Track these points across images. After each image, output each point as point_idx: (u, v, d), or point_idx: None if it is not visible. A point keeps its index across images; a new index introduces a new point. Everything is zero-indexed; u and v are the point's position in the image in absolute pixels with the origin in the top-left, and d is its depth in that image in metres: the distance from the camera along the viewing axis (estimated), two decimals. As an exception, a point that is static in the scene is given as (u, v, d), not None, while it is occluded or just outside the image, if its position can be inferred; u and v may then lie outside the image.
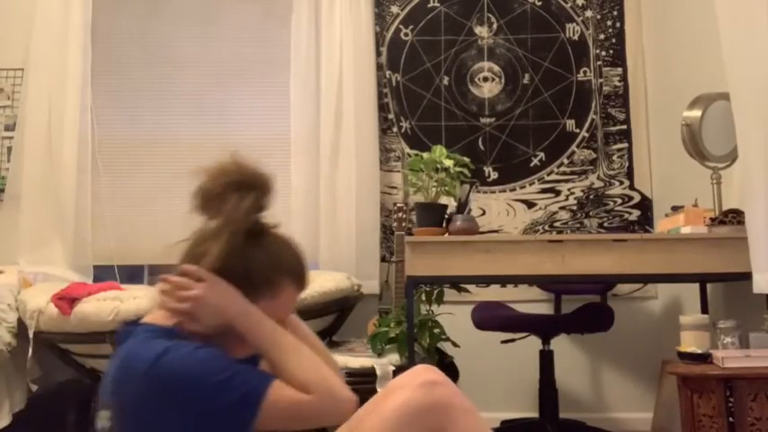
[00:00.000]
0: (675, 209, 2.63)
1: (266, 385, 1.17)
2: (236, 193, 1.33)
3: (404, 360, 2.65)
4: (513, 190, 3.67)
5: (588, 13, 3.76)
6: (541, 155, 3.69)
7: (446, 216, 2.62)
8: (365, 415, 1.39)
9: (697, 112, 2.63)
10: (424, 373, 1.41)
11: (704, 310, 2.85)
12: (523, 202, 3.67)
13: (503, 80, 3.74)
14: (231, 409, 1.15)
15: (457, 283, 2.90)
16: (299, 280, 1.36)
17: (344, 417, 1.22)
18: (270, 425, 1.18)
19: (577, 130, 3.69)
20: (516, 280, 3.12)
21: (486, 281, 3.22)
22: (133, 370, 1.18)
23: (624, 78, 3.71)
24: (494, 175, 3.68)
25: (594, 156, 3.68)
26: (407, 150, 3.67)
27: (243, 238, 1.29)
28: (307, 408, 1.18)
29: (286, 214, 3.61)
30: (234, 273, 1.27)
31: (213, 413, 1.15)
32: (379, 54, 3.74)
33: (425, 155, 2.69)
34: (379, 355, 2.70)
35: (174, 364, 1.16)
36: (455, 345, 2.93)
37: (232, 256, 1.28)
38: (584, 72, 3.73)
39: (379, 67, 3.73)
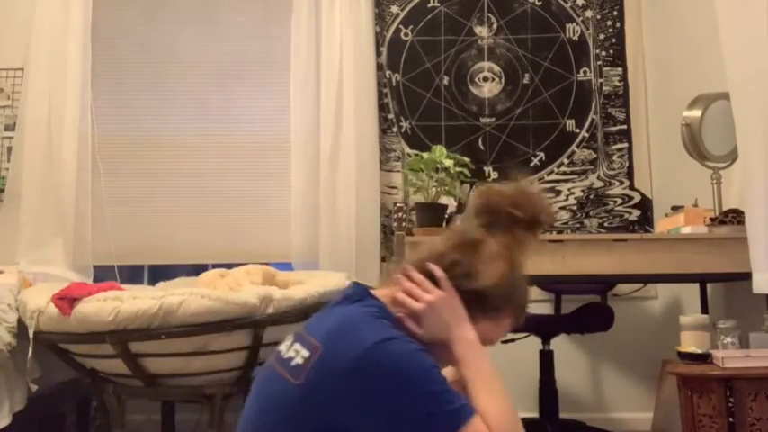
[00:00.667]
0: (675, 209, 2.63)
1: (470, 415, 1.16)
2: (526, 226, 1.35)
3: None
4: (513, 190, 3.67)
5: (588, 13, 3.76)
6: (541, 155, 3.69)
7: (446, 216, 2.62)
8: None
9: (697, 112, 2.63)
10: None
11: (704, 310, 2.85)
12: (523, 202, 3.66)
13: (503, 80, 3.74)
14: (429, 421, 1.13)
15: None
16: (520, 315, 1.37)
17: None
18: None
19: (577, 130, 3.69)
20: (516, 280, 3.12)
21: (486, 281, 3.22)
22: (352, 339, 1.16)
23: (624, 78, 3.71)
24: (494, 175, 3.68)
25: (594, 156, 3.68)
26: (407, 150, 3.67)
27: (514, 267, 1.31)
28: None
29: (286, 214, 3.62)
30: (471, 291, 1.28)
31: (411, 418, 1.13)
32: (379, 54, 3.74)
33: (425, 155, 2.70)
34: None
35: (396, 355, 1.15)
36: (455, 345, 2.93)
37: (474, 278, 1.29)
38: (584, 72, 3.73)
39: (379, 67, 3.73)
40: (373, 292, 1.31)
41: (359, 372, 1.13)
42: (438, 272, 1.28)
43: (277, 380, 1.22)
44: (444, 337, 1.26)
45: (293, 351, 1.23)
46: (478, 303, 1.28)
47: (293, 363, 1.21)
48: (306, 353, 1.20)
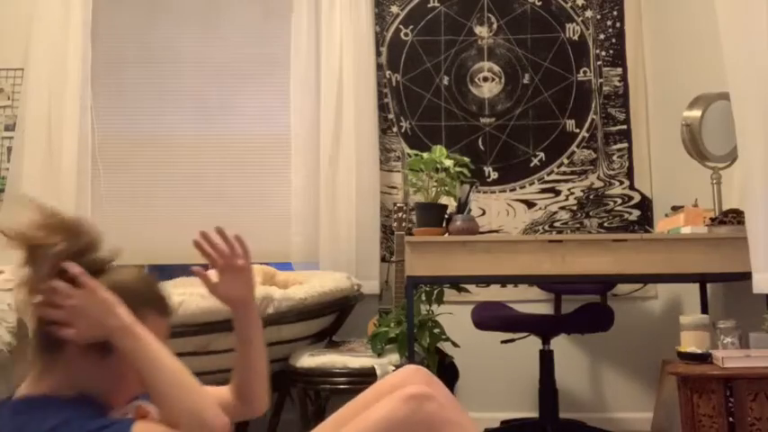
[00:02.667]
0: (675, 209, 2.63)
1: (126, 427, 1.13)
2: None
3: (404, 360, 2.65)
4: (513, 190, 3.68)
5: (588, 13, 3.76)
6: (541, 155, 3.69)
7: (446, 216, 2.62)
8: (348, 418, 1.37)
9: (697, 112, 2.63)
10: (413, 382, 1.38)
11: (704, 310, 2.85)
12: (523, 202, 3.67)
13: (503, 80, 3.74)
14: None
15: (457, 283, 2.90)
16: (159, 305, 1.31)
17: None
18: None
19: (577, 130, 3.69)
20: (516, 280, 3.12)
21: (486, 281, 3.22)
22: None
23: (624, 78, 3.71)
24: (494, 175, 3.68)
25: (594, 156, 3.68)
26: (407, 150, 3.67)
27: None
28: None
29: (286, 214, 3.62)
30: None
31: None
32: (379, 54, 3.74)
33: (425, 155, 2.69)
34: (379, 355, 2.70)
35: None
36: (455, 345, 2.93)
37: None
38: (584, 72, 3.73)
39: (379, 67, 3.73)
40: (18, 391, 1.24)
41: None
42: (73, 267, 1.20)
43: None
44: (102, 334, 1.19)
45: None
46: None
47: None
48: None
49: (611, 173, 3.66)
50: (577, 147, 3.68)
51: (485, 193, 3.67)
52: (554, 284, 3.44)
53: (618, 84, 3.72)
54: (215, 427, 1.16)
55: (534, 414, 3.26)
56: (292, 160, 3.62)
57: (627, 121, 3.69)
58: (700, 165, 2.67)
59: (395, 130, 3.72)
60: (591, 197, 3.65)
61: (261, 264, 3.21)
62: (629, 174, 3.65)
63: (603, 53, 3.74)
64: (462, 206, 2.65)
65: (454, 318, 3.19)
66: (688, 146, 2.66)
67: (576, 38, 3.75)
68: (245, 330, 1.43)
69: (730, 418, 1.98)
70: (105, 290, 1.21)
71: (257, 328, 1.42)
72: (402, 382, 1.39)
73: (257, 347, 1.43)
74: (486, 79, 3.75)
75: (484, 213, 3.64)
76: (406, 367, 1.48)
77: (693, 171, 2.89)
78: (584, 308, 3.17)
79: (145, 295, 1.29)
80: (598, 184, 3.65)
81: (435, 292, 2.99)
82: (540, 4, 3.77)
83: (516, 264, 2.42)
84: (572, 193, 3.66)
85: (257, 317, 1.44)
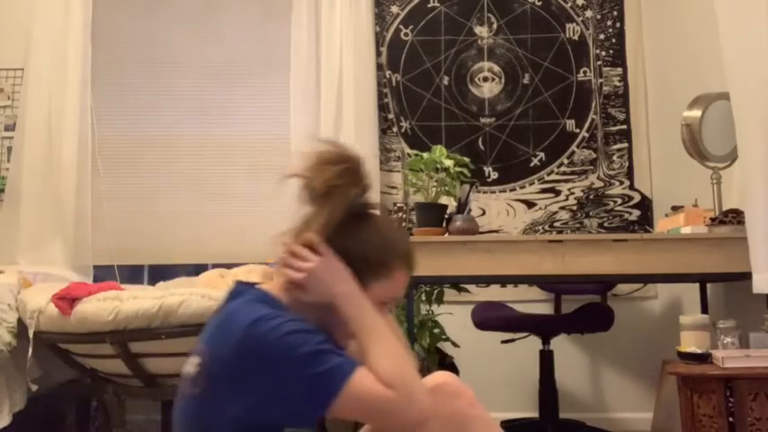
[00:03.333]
0: (675, 209, 2.63)
1: (352, 368, 1.16)
2: (329, 171, 1.32)
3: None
4: (513, 190, 3.67)
5: (588, 13, 3.76)
6: (541, 155, 3.69)
7: (446, 216, 2.62)
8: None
9: (697, 112, 2.63)
10: (444, 382, 1.40)
11: (704, 310, 2.85)
12: (523, 202, 3.67)
13: (503, 80, 3.74)
14: (313, 382, 1.14)
15: (457, 283, 2.90)
16: (410, 261, 1.36)
17: (415, 421, 1.18)
18: (346, 411, 1.18)
19: (577, 130, 3.69)
20: (516, 280, 3.13)
21: (486, 281, 3.22)
22: (231, 328, 1.19)
23: (624, 78, 3.71)
24: (494, 175, 3.68)
25: (594, 156, 3.68)
26: (407, 150, 3.67)
27: (352, 218, 1.30)
28: (385, 403, 1.16)
29: (286, 214, 3.61)
30: (351, 255, 1.28)
31: (295, 383, 1.14)
32: (379, 54, 3.74)
33: (425, 155, 2.69)
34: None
35: (268, 330, 1.16)
36: (455, 345, 2.93)
37: (349, 238, 1.29)
38: (584, 72, 3.73)
39: (379, 67, 3.73)
40: (261, 285, 1.34)
41: (238, 358, 1.16)
42: (312, 238, 1.29)
43: (186, 400, 1.25)
44: (329, 299, 1.26)
45: (190, 365, 1.27)
46: (360, 265, 1.28)
47: (191, 376, 1.25)
48: (197, 360, 1.24)
49: (611, 173, 3.66)
50: (577, 147, 3.68)
51: (485, 193, 3.67)
52: (554, 284, 3.44)
53: (618, 84, 3.72)
54: (422, 403, 1.18)
55: (534, 414, 3.26)
56: (292, 160, 3.61)
57: (627, 121, 3.69)
58: (700, 165, 2.67)
59: (395, 130, 3.72)
60: (591, 197, 3.65)
61: (261, 264, 3.20)
62: (629, 174, 3.65)
63: (603, 53, 3.74)
64: (462, 206, 2.64)
65: (454, 318, 3.19)
66: (688, 146, 2.66)
67: (576, 38, 3.75)
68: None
69: (730, 418, 1.98)
70: (336, 258, 1.27)
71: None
72: (433, 385, 1.41)
73: None
74: (486, 79, 3.75)
75: (484, 213, 3.64)
76: (437, 372, 1.50)
77: (693, 171, 2.89)
78: (584, 308, 3.17)
79: (399, 248, 1.33)
80: (598, 184, 3.65)
81: (435, 292, 2.99)
82: (540, 4, 3.77)
83: (516, 264, 2.42)
84: (572, 193, 3.66)
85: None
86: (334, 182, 1.29)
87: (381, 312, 1.30)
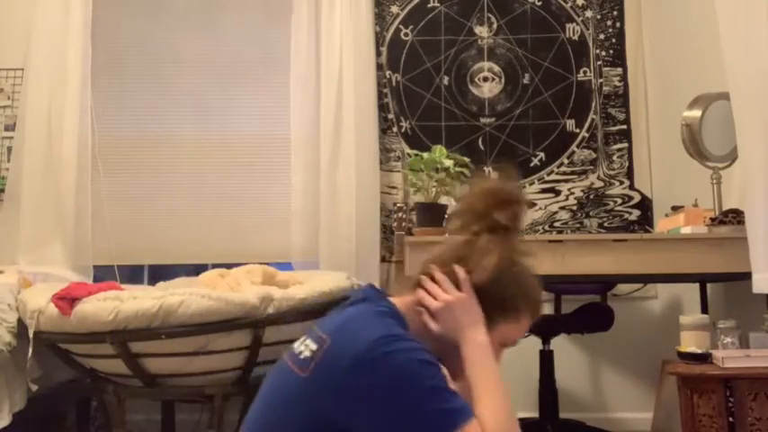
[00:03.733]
0: (675, 209, 2.63)
1: (470, 416, 1.15)
2: (504, 211, 1.31)
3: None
4: (513, 190, 3.67)
5: (588, 13, 3.76)
6: (541, 155, 3.69)
7: (446, 216, 2.62)
8: None
9: (697, 112, 2.63)
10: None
11: (704, 310, 2.85)
12: (523, 202, 3.66)
13: (503, 80, 3.74)
14: (432, 416, 1.12)
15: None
16: (537, 311, 1.35)
17: None
18: None
19: (577, 130, 3.69)
20: (516, 280, 3.11)
21: (486, 281, 3.21)
22: (357, 334, 1.17)
23: (624, 78, 3.71)
24: (493, 176, 3.68)
25: (594, 156, 3.68)
26: (407, 150, 3.67)
27: (511, 260, 1.30)
28: None
29: (286, 214, 3.62)
30: (490, 295, 1.28)
31: (408, 413, 1.12)
32: (379, 54, 3.74)
33: (425, 155, 2.69)
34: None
35: (396, 351, 1.14)
36: (455, 345, 2.93)
37: (497, 277, 1.28)
38: (585, 72, 3.73)
39: (379, 67, 3.73)
40: (389, 297, 1.33)
41: (359, 367, 1.14)
42: (461, 273, 1.29)
43: (285, 373, 1.23)
44: (456, 337, 1.26)
45: (303, 345, 1.24)
46: (494, 303, 1.28)
47: (302, 356, 1.22)
48: (314, 346, 1.21)
49: (611, 173, 3.66)
50: (577, 147, 3.68)
51: (485, 193, 3.66)
52: (554, 284, 3.44)
53: (618, 84, 3.72)
54: None
55: (534, 414, 3.26)
56: (292, 160, 3.62)
57: (627, 121, 3.69)
58: (700, 165, 2.67)
59: (395, 130, 3.72)
60: (591, 197, 3.65)
61: (261, 264, 3.20)
62: (629, 174, 3.65)
63: (603, 53, 3.74)
64: (462, 206, 2.64)
65: (454, 318, 3.19)
66: (688, 146, 2.66)
67: (575, 38, 3.75)
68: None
69: (730, 418, 1.98)
70: (475, 298, 1.27)
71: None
72: None
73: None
74: (486, 79, 3.75)
75: (484, 213, 3.63)
76: None
77: (693, 171, 2.89)
78: (584, 308, 3.17)
79: (532, 296, 1.33)
80: (598, 184, 3.65)
81: (435, 292, 2.98)
82: (540, 4, 3.77)
83: (516, 264, 2.42)
84: (572, 193, 3.66)
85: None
86: (506, 222, 1.30)
87: (498, 356, 1.30)
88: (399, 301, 1.32)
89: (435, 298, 1.28)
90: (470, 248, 1.32)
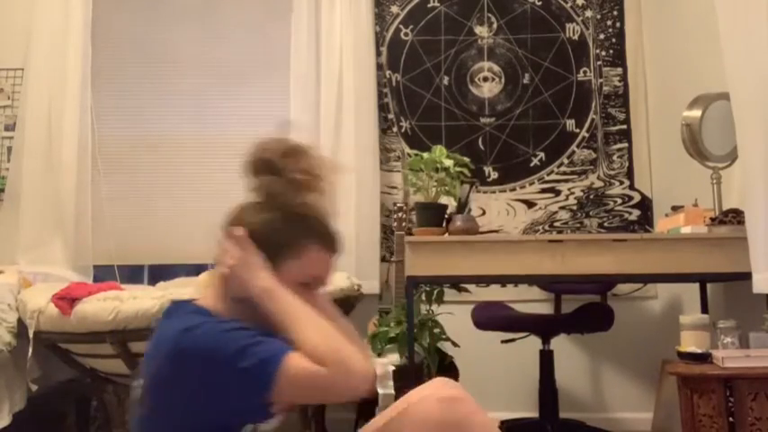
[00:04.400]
0: (675, 209, 2.63)
1: (283, 354, 1.19)
2: (267, 162, 1.46)
3: (404, 360, 2.65)
4: (513, 190, 3.67)
5: (588, 13, 3.76)
6: (541, 155, 3.69)
7: (446, 216, 2.62)
8: (381, 422, 1.39)
9: (697, 112, 2.63)
10: (444, 387, 1.41)
11: (704, 310, 2.85)
12: (523, 201, 3.67)
13: (503, 80, 3.74)
14: (248, 375, 1.17)
15: (457, 283, 2.90)
16: (324, 240, 1.38)
17: (361, 390, 1.22)
18: (288, 396, 1.21)
19: (577, 130, 3.69)
20: (516, 280, 3.12)
21: (486, 281, 3.22)
22: (163, 342, 1.23)
23: (624, 78, 3.71)
24: (494, 175, 3.68)
25: (594, 156, 3.67)
26: (407, 150, 3.67)
27: (282, 204, 1.36)
28: (321, 380, 1.18)
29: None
30: (259, 238, 1.33)
31: (231, 379, 1.18)
32: (379, 54, 3.74)
33: (425, 155, 2.69)
34: (379, 354, 2.70)
35: (197, 336, 1.21)
36: (455, 345, 2.93)
37: (256, 222, 1.35)
38: (584, 72, 3.73)
39: (379, 67, 3.73)
40: (194, 300, 1.38)
41: (173, 367, 1.20)
42: (237, 231, 1.34)
43: (135, 424, 1.30)
44: (249, 295, 1.29)
45: (137, 387, 1.30)
46: (267, 246, 1.32)
47: (138, 397, 1.29)
48: (140, 381, 1.28)
49: (611, 173, 3.66)
50: (577, 147, 3.68)
51: (485, 193, 3.67)
52: (554, 284, 3.44)
53: (618, 84, 3.72)
54: (360, 371, 1.21)
55: (534, 414, 3.26)
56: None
57: (627, 121, 3.69)
58: (700, 165, 2.67)
59: (395, 130, 3.72)
60: (591, 197, 3.65)
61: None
62: (629, 174, 3.65)
63: (603, 53, 3.74)
64: (462, 206, 2.65)
65: (454, 318, 3.19)
66: (688, 146, 2.66)
67: (575, 38, 3.75)
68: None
69: (730, 418, 1.98)
70: (254, 253, 1.31)
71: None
72: (434, 389, 1.41)
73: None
74: (486, 79, 3.75)
75: (484, 213, 3.64)
76: (436, 379, 1.50)
77: (693, 171, 2.89)
78: (584, 308, 3.17)
79: (314, 228, 1.36)
80: (598, 183, 3.65)
81: (435, 292, 2.99)
82: (540, 4, 3.77)
83: (516, 264, 2.42)
84: (572, 193, 3.66)
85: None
86: (271, 171, 1.43)
87: (306, 294, 1.32)
88: (211, 293, 1.36)
89: (225, 267, 1.33)
90: (242, 207, 1.43)
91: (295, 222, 1.35)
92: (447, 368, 3.03)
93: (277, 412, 1.25)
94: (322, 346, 1.21)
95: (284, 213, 1.36)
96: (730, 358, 2.02)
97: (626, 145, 3.67)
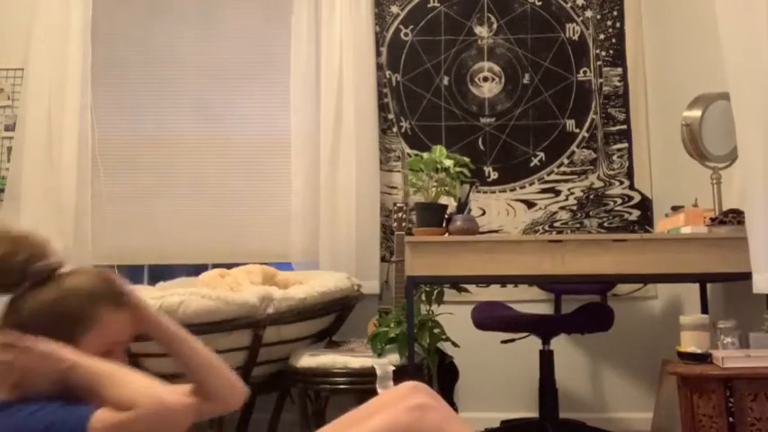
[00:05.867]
0: (675, 209, 2.63)
1: (86, 417, 1.16)
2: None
3: (404, 360, 2.65)
4: (513, 190, 3.68)
5: (588, 13, 3.76)
6: (541, 155, 3.69)
7: (446, 216, 2.62)
8: (348, 426, 1.36)
9: (697, 112, 2.63)
10: (414, 393, 1.38)
11: (704, 310, 2.85)
12: (523, 202, 3.67)
13: (503, 80, 3.74)
14: None
15: (457, 283, 2.90)
16: (114, 299, 1.32)
17: (182, 414, 1.20)
18: None
19: (577, 130, 3.69)
20: (516, 280, 3.12)
21: (486, 281, 3.22)
22: None
23: (624, 78, 3.71)
24: (494, 175, 3.68)
25: (594, 156, 3.68)
26: (407, 150, 3.67)
27: (30, 291, 1.27)
28: (135, 422, 1.16)
29: (286, 214, 3.62)
30: (46, 325, 1.26)
31: None
32: (379, 54, 3.74)
33: (425, 155, 2.69)
34: (379, 355, 2.70)
35: (5, 428, 1.16)
36: (455, 345, 2.93)
37: (36, 314, 1.26)
38: (584, 72, 3.73)
39: (379, 67, 3.73)
40: None
41: None
42: (8, 337, 1.25)
43: None
44: (58, 378, 1.23)
45: None
46: (60, 329, 1.26)
47: None
48: None
49: (611, 173, 3.66)
50: (577, 147, 3.68)
51: (485, 193, 3.67)
52: (554, 284, 3.44)
53: (618, 84, 3.72)
54: (172, 399, 1.19)
55: (534, 414, 3.26)
56: (292, 160, 3.62)
57: (627, 121, 3.69)
58: (700, 165, 2.67)
59: (395, 130, 3.72)
60: (591, 197, 3.65)
61: (261, 264, 3.21)
62: (629, 174, 3.65)
63: (603, 53, 3.74)
64: (462, 206, 2.65)
65: (454, 318, 3.19)
66: (688, 146, 2.66)
67: (576, 38, 3.75)
68: (159, 339, 1.41)
69: (730, 418, 1.98)
70: (39, 342, 1.23)
71: (170, 332, 1.39)
72: (402, 396, 1.38)
73: (183, 348, 1.41)
74: (486, 79, 3.75)
75: (484, 213, 3.64)
76: (405, 383, 1.47)
77: (693, 171, 2.89)
78: (584, 308, 3.17)
79: (96, 294, 1.30)
80: (598, 184, 3.65)
81: (435, 292, 2.99)
82: (540, 4, 3.77)
83: (516, 264, 2.42)
84: (572, 193, 3.66)
85: (163, 323, 1.40)
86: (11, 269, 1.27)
87: (115, 360, 1.29)
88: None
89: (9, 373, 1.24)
90: (11, 305, 1.30)
91: (71, 292, 1.29)
92: (447, 368, 3.04)
93: None
94: (127, 392, 1.18)
95: (58, 290, 1.29)
96: (730, 358, 2.02)
97: (626, 145, 3.67)
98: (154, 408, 1.17)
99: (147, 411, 1.16)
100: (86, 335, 1.28)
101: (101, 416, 1.16)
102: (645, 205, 3.62)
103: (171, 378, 2.65)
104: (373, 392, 1.40)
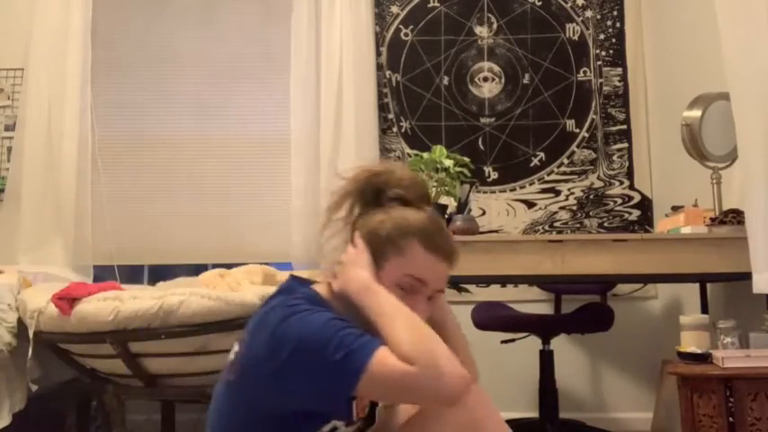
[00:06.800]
0: (675, 209, 2.63)
1: (372, 349, 1.18)
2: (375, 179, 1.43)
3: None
4: (513, 190, 3.68)
5: (588, 13, 3.76)
6: (541, 155, 3.69)
7: (446, 216, 2.62)
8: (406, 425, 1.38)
9: (697, 112, 2.63)
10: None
11: (704, 310, 2.85)
12: (523, 202, 3.67)
13: (503, 80, 3.74)
14: (336, 367, 1.17)
15: (457, 283, 2.90)
16: (427, 239, 1.36)
17: (451, 394, 1.16)
18: (372, 391, 1.21)
19: (577, 130, 3.69)
20: (516, 280, 3.12)
21: (486, 281, 3.22)
22: (268, 322, 1.25)
23: (624, 78, 3.71)
24: (494, 175, 3.68)
25: (594, 156, 3.68)
26: (407, 150, 3.67)
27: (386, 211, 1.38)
28: (408, 378, 1.15)
29: (286, 214, 3.62)
30: (373, 240, 1.35)
31: (319, 367, 1.18)
32: (379, 54, 3.74)
33: (425, 155, 2.69)
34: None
35: (294, 324, 1.21)
36: (455, 345, 2.93)
37: (376, 225, 1.37)
38: (584, 72, 3.73)
39: (379, 67, 3.73)
40: (314, 285, 1.41)
41: (268, 349, 1.21)
42: (355, 234, 1.38)
43: (218, 387, 1.34)
44: (348, 290, 1.31)
45: (232, 352, 1.33)
46: (379, 246, 1.35)
47: (229, 362, 1.32)
48: (237, 348, 1.31)
49: (611, 173, 3.66)
50: (577, 147, 3.68)
51: (485, 193, 3.67)
52: (554, 284, 3.44)
53: (618, 84, 3.72)
54: (452, 376, 1.16)
55: (534, 414, 3.26)
56: (292, 160, 3.62)
57: (627, 121, 3.69)
58: (700, 165, 2.67)
59: (395, 130, 3.72)
60: (591, 197, 3.65)
61: (261, 264, 3.20)
62: (629, 174, 3.65)
63: (603, 53, 3.74)
64: (462, 206, 2.64)
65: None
66: (688, 146, 2.66)
67: (575, 38, 3.75)
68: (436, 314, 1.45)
69: (730, 418, 1.98)
70: (364, 251, 1.34)
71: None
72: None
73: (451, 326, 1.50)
74: (486, 79, 3.75)
75: (484, 213, 3.64)
76: None
77: (693, 171, 2.89)
78: (584, 308, 3.17)
79: (418, 228, 1.36)
80: (598, 184, 3.65)
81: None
82: (540, 4, 3.77)
83: (516, 264, 2.42)
84: (572, 193, 3.66)
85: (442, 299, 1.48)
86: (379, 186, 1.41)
87: (409, 299, 1.31)
88: (323, 285, 1.39)
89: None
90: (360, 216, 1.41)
91: (399, 221, 1.36)
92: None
93: (359, 413, 1.25)
94: (413, 344, 1.18)
95: (393, 214, 1.38)
96: (730, 358, 2.02)
97: (626, 145, 3.67)
98: (431, 373, 1.15)
99: (423, 374, 1.15)
100: (389, 261, 1.33)
101: (384, 356, 1.17)
102: (645, 205, 3.62)
103: (171, 378, 2.64)
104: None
